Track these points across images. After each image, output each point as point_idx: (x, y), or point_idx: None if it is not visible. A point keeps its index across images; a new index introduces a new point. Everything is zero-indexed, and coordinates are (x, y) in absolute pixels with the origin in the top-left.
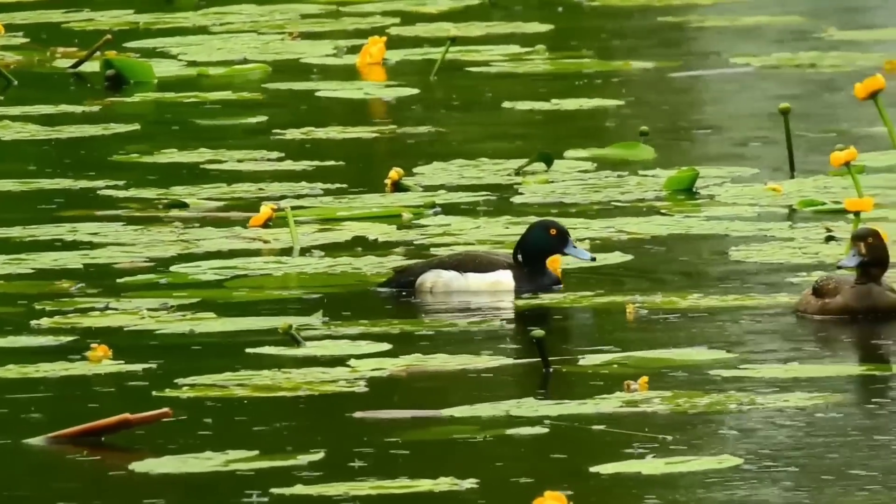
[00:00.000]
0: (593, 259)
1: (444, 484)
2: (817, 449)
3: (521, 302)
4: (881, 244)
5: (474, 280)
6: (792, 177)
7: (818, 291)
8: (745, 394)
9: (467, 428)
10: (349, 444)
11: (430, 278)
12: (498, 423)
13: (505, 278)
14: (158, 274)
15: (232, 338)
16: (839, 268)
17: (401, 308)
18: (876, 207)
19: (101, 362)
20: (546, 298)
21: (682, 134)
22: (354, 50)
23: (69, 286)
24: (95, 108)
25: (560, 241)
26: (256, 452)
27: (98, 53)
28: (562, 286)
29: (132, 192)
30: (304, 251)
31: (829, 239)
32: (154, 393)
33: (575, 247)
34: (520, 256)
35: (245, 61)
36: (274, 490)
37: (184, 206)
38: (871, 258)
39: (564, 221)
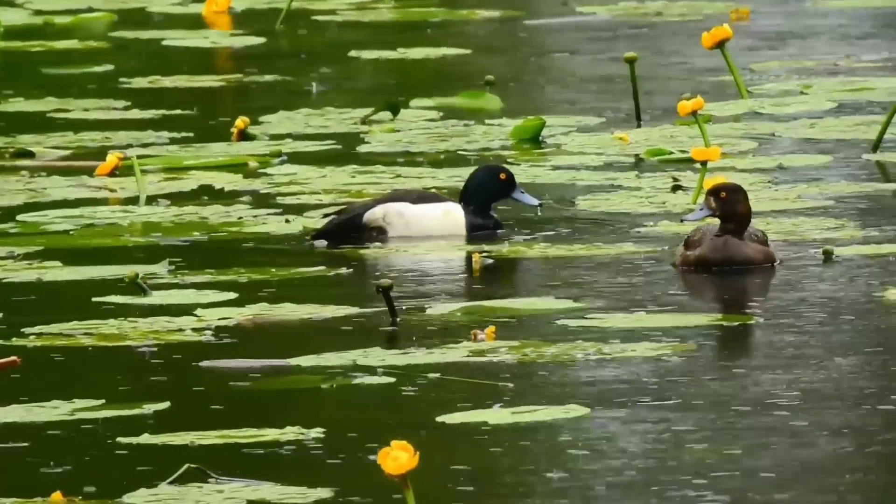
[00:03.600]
0: (541, 205)
1: (290, 433)
2: (665, 398)
3: (368, 251)
4: (735, 199)
5: (427, 209)
6: (639, 126)
7: (686, 243)
8: (593, 343)
9: (313, 377)
10: (195, 393)
11: (380, 210)
12: (344, 373)
13: (455, 209)
14: (5, 223)
15: (78, 287)
16: (682, 221)
17: (248, 257)
18: (723, 157)
19: None
20: (392, 248)
21: (529, 83)
22: None
23: None
24: None
25: (508, 186)
26: (103, 402)
27: None
28: (504, 230)
29: None
30: (151, 200)
31: (676, 188)
32: (1, 342)
33: (522, 192)
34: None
35: (90, 10)
36: (121, 439)
37: (30, 155)
38: (722, 213)
39: (411, 171)
